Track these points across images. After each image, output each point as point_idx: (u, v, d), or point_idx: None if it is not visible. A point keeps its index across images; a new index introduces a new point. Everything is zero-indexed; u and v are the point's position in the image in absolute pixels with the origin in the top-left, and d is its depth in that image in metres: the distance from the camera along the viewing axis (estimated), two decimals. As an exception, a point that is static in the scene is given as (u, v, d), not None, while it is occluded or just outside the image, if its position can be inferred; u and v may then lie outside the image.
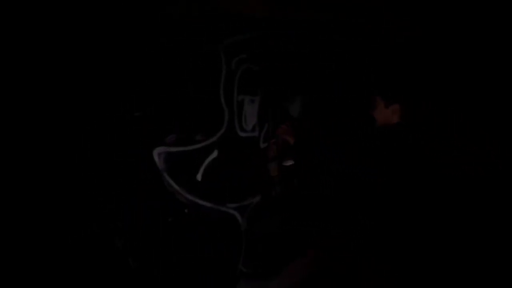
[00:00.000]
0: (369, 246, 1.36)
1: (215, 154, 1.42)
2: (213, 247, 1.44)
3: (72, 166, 0.94)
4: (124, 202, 1.08)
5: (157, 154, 1.18)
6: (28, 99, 0.85)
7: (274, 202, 1.64)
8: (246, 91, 1.57)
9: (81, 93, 0.94)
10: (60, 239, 0.92)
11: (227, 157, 1.48)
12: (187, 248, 1.32)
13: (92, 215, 0.99)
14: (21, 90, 0.83)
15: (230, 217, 1.55)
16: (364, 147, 1.41)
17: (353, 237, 1.42)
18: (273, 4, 1.56)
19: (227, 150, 1.47)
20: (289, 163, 1.54)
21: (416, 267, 1.38)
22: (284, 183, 1.67)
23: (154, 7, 1.11)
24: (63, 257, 0.93)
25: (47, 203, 0.89)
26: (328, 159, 1.41)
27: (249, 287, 1.69)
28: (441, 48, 2.11)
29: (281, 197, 1.68)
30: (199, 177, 1.36)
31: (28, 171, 0.86)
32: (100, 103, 0.99)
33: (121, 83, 1.03)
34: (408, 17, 1.81)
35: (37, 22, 0.84)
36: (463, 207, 2.12)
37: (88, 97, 0.96)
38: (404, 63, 2.26)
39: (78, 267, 0.96)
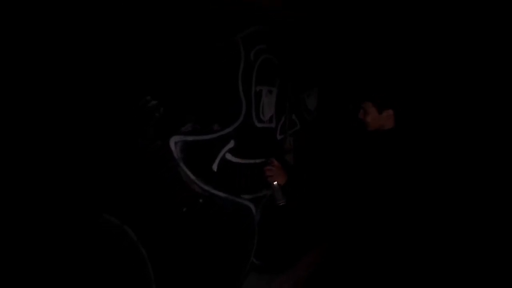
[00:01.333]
0: (371, 246, 1.34)
1: (231, 144, 1.41)
2: (226, 238, 1.44)
3: (86, 155, 0.92)
4: (139, 191, 1.07)
5: (174, 142, 1.17)
6: (44, 85, 0.85)
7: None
8: (264, 82, 1.55)
9: (98, 81, 0.93)
10: (72, 228, 0.91)
11: (243, 147, 1.47)
12: (200, 238, 1.31)
13: (105, 204, 0.98)
14: (35, 74, 0.83)
15: (245, 209, 1.54)
16: (357, 153, 1.37)
17: (357, 236, 1.40)
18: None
19: (243, 140, 1.46)
20: (282, 203, 1.45)
21: (415, 267, 1.37)
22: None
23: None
24: (75, 246, 0.92)
25: (60, 191, 0.88)
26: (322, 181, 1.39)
27: (260, 279, 1.70)
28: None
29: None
30: (215, 167, 1.35)
31: (41, 159, 0.86)
32: (118, 92, 0.98)
33: (138, 72, 1.02)
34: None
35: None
36: (458, 210, 2.08)
37: (105, 85, 0.94)
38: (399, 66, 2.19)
39: (90, 256, 0.96)
